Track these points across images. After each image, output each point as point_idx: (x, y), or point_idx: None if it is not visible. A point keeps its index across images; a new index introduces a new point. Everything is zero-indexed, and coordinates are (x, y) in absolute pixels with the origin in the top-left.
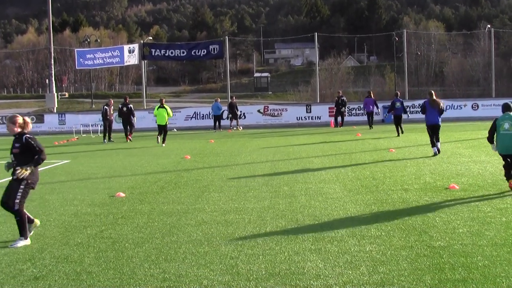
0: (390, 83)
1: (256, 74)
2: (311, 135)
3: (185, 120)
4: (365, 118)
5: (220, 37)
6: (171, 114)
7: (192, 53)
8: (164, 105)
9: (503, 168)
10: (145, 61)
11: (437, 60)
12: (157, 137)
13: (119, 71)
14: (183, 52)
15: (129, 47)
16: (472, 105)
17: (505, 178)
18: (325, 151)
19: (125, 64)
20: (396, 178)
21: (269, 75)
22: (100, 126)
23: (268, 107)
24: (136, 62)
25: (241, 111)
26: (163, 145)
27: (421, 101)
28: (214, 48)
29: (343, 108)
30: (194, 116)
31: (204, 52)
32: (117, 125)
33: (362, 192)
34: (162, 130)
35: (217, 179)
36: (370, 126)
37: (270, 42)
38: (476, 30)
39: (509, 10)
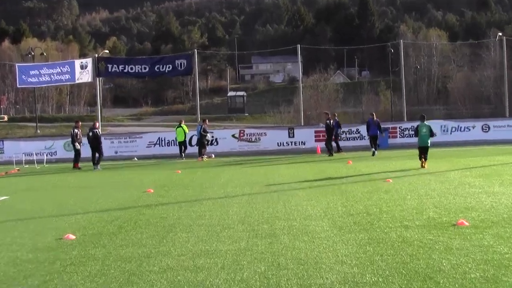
0: (386, 102)
1: (230, 93)
2: (295, 164)
3: (147, 147)
4: (357, 143)
5: (188, 50)
6: (187, 130)
7: (156, 68)
8: (182, 125)
9: (418, 156)
10: (101, 78)
11: (440, 75)
12: (181, 154)
13: (69, 90)
14: (144, 68)
15: (81, 62)
16: (482, 126)
17: (420, 162)
18: (311, 182)
19: (77, 81)
20: (394, 213)
21: (245, 94)
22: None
23: (244, 131)
24: (89, 80)
25: (212, 136)
26: (183, 159)
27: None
28: (181, 63)
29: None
30: (158, 142)
31: (169, 67)
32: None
33: (355, 230)
34: (182, 145)
35: (185, 216)
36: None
37: (246, 56)
38: (485, 39)
39: None
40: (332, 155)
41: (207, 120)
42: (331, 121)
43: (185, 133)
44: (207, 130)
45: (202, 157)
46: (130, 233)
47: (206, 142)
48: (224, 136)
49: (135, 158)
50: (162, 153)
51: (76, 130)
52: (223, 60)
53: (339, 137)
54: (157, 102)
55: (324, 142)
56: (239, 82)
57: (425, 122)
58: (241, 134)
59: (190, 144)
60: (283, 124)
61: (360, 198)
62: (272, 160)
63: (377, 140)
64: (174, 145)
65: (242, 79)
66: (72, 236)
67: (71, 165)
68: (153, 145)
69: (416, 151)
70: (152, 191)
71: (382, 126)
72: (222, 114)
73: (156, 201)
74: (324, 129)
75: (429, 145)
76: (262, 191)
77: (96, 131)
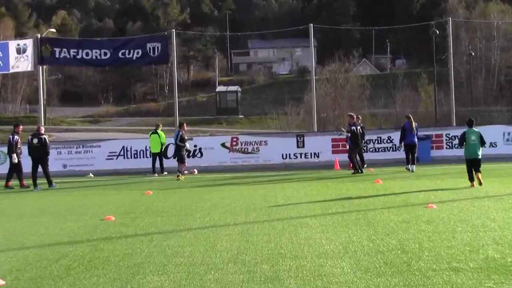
0: (428, 101)
1: (220, 88)
2: (305, 183)
3: (107, 159)
4: (389, 155)
5: (163, 30)
6: (164, 139)
7: (120, 54)
8: (158, 131)
9: (467, 173)
10: (45, 66)
11: (503, 64)
12: (154, 169)
13: (1, 82)
14: (105, 54)
15: (18, 44)
16: None
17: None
18: (327, 207)
19: (12, 70)
20: (439, 250)
21: (239, 89)
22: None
23: (237, 139)
24: (29, 68)
25: (195, 146)
26: (165, 173)
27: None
28: (153, 48)
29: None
30: (122, 153)
31: (138, 53)
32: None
33: (386, 272)
34: (157, 158)
35: (157, 253)
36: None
37: (242, 39)
38: None
39: None
40: (359, 171)
41: (185, 124)
42: (357, 126)
43: (161, 142)
44: (186, 138)
45: (179, 174)
46: (82, 275)
47: (185, 154)
48: (210, 145)
49: (91, 174)
50: (127, 167)
51: (16, 137)
52: (210, 44)
53: (364, 148)
54: (121, 99)
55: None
56: (231, 73)
57: (473, 128)
58: (234, 143)
59: (166, 156)
60: (290, 130)
61: (393, 230)
62: (275, 177)
63: (415, 151)
64: (144, 156)
65: (235, 69)
66: (1, 282)
67: (2, 183)
68: (115, 157)
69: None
70: (113, 219)
71: (423, 133)
72: (208, 116)
73: (118, 232)
74: (345, 136)
75: (480, 157)
76: (261, 219)
77: (44, 138)
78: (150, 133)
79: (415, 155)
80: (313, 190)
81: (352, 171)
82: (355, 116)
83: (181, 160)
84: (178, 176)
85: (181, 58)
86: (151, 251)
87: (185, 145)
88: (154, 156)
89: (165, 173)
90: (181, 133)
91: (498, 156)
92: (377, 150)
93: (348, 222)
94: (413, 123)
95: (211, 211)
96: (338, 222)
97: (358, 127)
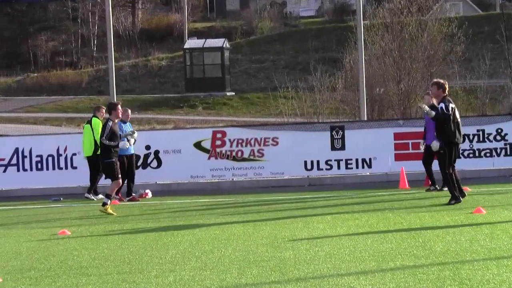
0: None
1: (192, 42)
2: (347, 214)
3: None
4: (498, 162)
5: None
6: (99, 134)
7: None
8: (93, 119)
9: None
10: None
11: None
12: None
13: None
14: None
15: None
16: None
17: None
18: (387, 257)
19: None
20: None
21: (227, 44)
22: None
23: (224, 134)
24: None
25: (147, 148)
26: (94, 197)
27: None
28: None
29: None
30: (14, 161)
31: None
32: None
33: None
34: (93, 167)
35: None
36: None
37: None
38: None
39: None
40: (458, 198)
41: (119, 108)
42: (452, 104)
43: (95, 138)
44: (121, 134)
45: (107, 202)
46: None
47: (114, 161)
48: (175, 147)
49: None
50: (25, 186)
51: None
52: None
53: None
54: (11, 64)
55: (423, 160)
56: (212, 16)
57: None
58: (218, 142)
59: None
60: (319, 119)
61: None
62: (292, 204)
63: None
64: (56, 166)
65: (218, 9)
66: None
67: None
68: (1, 168)
69: None
70: None
71: None
72: (171, 94)
73: None
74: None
75: None
76: (268, 279)
77: None
78: (85, 122)
79: None
80: (360, 226)
81: (432, 188)
82: (446, 86)
83: (112, 175)
84: (105, 205)
85: None
86: None
87: (117, 145)
88: (91, 164)
89: (93, 197)
90: (109, 124)
91: None
92: (477, 153)
93: (425, 284)
94: None
95: (178, 265)
96: (407, 284)
97: (452, 106)
